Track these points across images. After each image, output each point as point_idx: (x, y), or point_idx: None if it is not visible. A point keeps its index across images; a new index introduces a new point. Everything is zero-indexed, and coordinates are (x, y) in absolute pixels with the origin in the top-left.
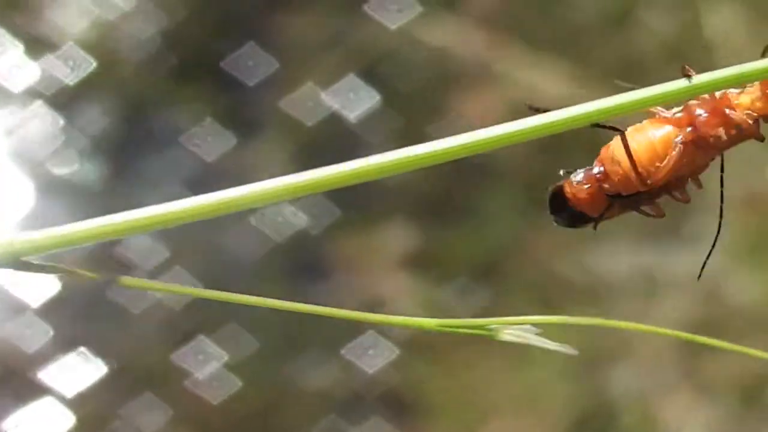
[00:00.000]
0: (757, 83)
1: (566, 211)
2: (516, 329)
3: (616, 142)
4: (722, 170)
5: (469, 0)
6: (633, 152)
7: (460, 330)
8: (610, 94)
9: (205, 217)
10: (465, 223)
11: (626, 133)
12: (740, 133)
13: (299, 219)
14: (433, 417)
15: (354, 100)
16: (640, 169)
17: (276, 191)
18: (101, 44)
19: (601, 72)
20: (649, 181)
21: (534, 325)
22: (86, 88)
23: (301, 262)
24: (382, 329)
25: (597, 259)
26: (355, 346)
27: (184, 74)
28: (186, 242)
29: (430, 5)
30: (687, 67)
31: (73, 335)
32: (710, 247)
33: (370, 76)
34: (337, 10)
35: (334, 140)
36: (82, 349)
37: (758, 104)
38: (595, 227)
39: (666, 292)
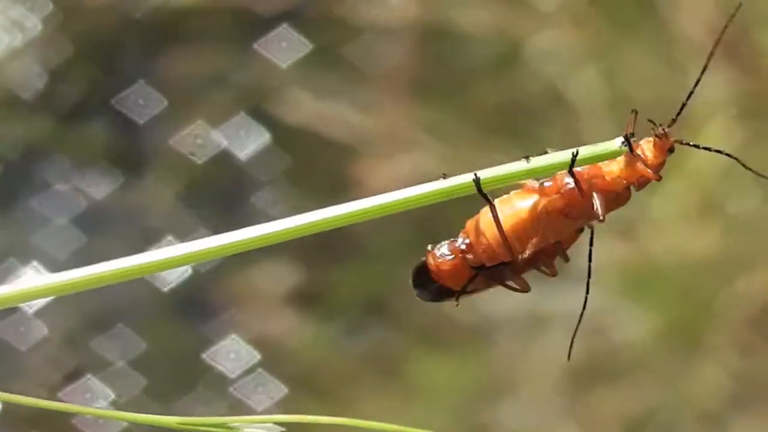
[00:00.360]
0: (624, 153)
1: (430, 286)
2: (258, 427)
3: (481, 214)
4: (591, 243)
5: (361, 46)
6: (497, 222)
7: (201, 428)
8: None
9: (98, 286)
10: (353, 261)
11: (492, 204)
12: (609, 200)
13: None
14: None
15: (244, 138)
16: (503, 240)
17: (172, 260)
18: None
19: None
20: (516, 253)
21: (277, 423)
22: None
23: (191, 301)
24: (270, 367)
25: (483, 297)
26: (243, 384)
27: (73, 112)
28: None
29: (320, 43)
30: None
31: None
32: (582, 309)
33: (260, 114)
34: (227, 47)
35: (224, 178)
36: None
37: (627, 172)
38: (457, 300)
39: (550, 329)
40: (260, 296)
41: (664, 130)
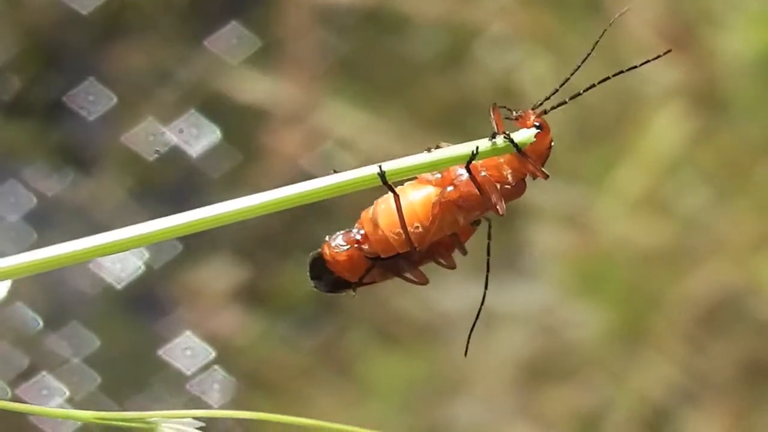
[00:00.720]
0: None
1: (327, 277)
2: (176, 422)
3: (376, 204)
4: (489, 237)
5: (310, 39)
6: (391, 213)
7: (119, 422)
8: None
9: (48, 269)
10: (302, 256)
11: (388, 195)
12: (505, 192)
13: (140, 253)
14: None
15: (195, 135)
16: (398, 230)
17: (122, 242)
18: None
19: (435, 113)
20: (411, 244)
21: (196, 418)
22: None
23: (144, 298)
24: (226, 364)
25: (435, 294)
26: (200, 381)
27: (22, 108)
28: (25, 276)
29: (268, 40)
30: (433, 147)
31: None
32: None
33: (211, 110)
34: (176, 43)
35: (174, 175)
36: None
37: (514, 164)
38: (354, 291)
39: (503, 326)
40: (210, 293)
41: (518, 112)
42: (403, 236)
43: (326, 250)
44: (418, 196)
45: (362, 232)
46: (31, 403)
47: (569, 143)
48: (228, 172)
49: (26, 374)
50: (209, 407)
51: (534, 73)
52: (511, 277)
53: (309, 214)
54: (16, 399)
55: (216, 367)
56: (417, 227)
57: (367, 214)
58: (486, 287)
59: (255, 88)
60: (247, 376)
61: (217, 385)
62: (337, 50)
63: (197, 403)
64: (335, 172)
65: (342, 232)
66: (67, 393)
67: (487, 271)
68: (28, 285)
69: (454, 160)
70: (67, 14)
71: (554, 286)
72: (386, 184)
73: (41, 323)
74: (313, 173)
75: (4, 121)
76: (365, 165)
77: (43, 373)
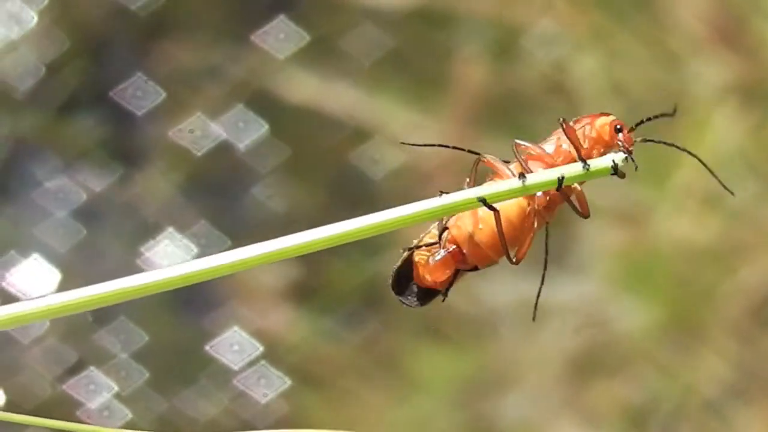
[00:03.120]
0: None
1: (411, 290)
2: None
3: (469, 223)
4: (547, 236)
5: (357, 36)
6: (492, 233)
7: None
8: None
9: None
10: (349, 253)
11: (479, 211)
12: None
13: (188, 248)
14: None
15: (242, 130)
16: (499, 246)
17: (176, 279)
18: None
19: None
20: (511, 256)
21: None
22: None
23: (192, 294)
24: (273, 359)
25: (483, 288)
26: (246, 377)
27: (71, 104)
28: (76, 271)
29: (316, 35)
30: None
31: None
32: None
33: (258, 105)
34: (224, 39)
35: (222, 170)
36: None
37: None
38: (444, 297)
39: (551, 320)
40: (259, 289)
41: (621, 132)
42: (504, 250)
43: (422, 271)
44: (513, 210)
45: (459, 249)
46: (79, 398)
47: None
48: (276, 167)
49: (74, 369)
50: (256, 402)
51: (583, 68)
52: (560, 272)
53: (355, 208)
54: (63, 394)
55: (263, 362)
56: (517, 237)
57: (459, 231)
58: (542, 283)
59: (302, 82)
60: (294, 371)
61: (263, 380)
62: (384, 45)
63: (244, 397)
64: (443, 194)
65: (433, 249)
66: (115, 388)
67: (545, 269)
68: (77, 280)
69: (545, 185)
70: (116, 10)
71: (603, 281)
72: (489, 206)
73: (90, 318)
74: (361, 169)
75: (53, 117)
76: (414, 161)
77: (91, 368)
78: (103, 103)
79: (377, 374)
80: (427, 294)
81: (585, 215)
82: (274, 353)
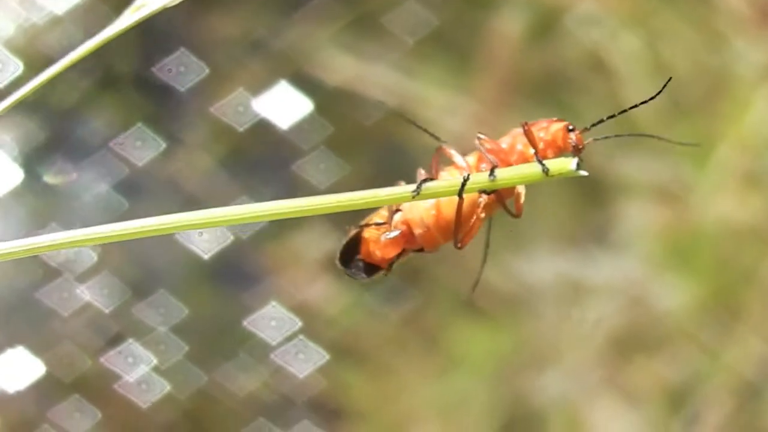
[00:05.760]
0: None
1: (357, 264)
2: None
3: (422, 207)
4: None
5: (400, 14)
6: (445, 219)
7: None
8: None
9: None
10: None
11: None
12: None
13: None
14: (359, 422)
15: (285, 106)
16: (450, 231)
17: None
18: (29, 48)
19: (530, 85)
20: (458, 242)
21: None
22: (14, 92)
23: (231, 267)
24: (311, 333)
25: (523, 265)
26: (284, 351)
27: (113, 79)
28: (114, 246)
29: (359, 13)
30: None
31: None
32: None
33: (302, 82)
34: (267, 14)
35: (265, 146)
36: (9, 351)
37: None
38: (386, 273)
39: (591, 298)
40: (299, 263)
41: (575, 131)
42: (453, 235)
43: (372, 247)
44: (466, 200)
45: (401, 230)
46: (118, 371)
47: (662, 117)
48: (318, 144)
49: (113, 341)
50: (294, 377)
51: (625, 47)
52: (601, 250)
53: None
54: (102, 367)
55: (301, 336)
56: (465, 226)
57: (412, 214)
58: (484, 260)
59: (345, 60)
60: (333, 346)
61: (302, 355)
62: (428, 23)
63: (283, 372)
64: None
65: (383, 228)
66: (154, 361)
67: (486, 247)
68: (117, 253)
69: (520, 179)
70: None
71: (644, 260)
72: (460, 195)
73: (129, 291)
74: (403, 147)
75: (96, 92)
76: (452, 140)
77: (130, 340)
78: (146, 78)
79: (415, 350)
80: (371, 269)
81: (518, 215)
82: (312, 328)
